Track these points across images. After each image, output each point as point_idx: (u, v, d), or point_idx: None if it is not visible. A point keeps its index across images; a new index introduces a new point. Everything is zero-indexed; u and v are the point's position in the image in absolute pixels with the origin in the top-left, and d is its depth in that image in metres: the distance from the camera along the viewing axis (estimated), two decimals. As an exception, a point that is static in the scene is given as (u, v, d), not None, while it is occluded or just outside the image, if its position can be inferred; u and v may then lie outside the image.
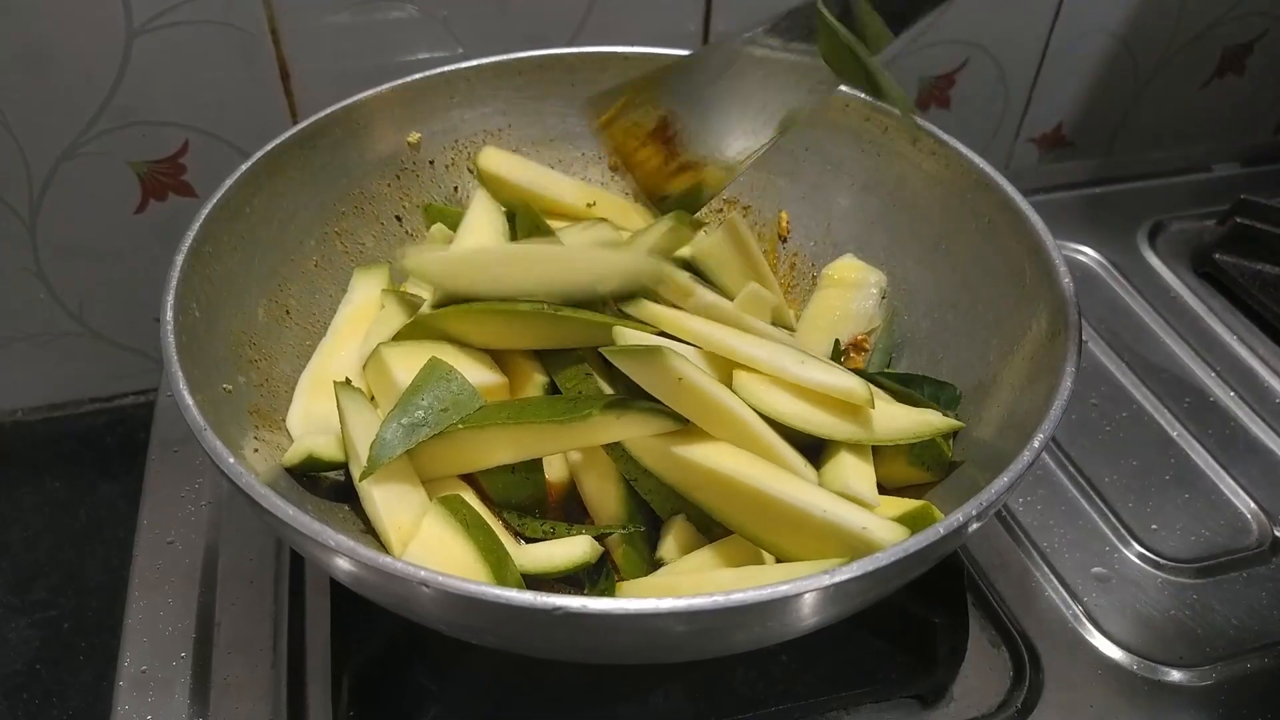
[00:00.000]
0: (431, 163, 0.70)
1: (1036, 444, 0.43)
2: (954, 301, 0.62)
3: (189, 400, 0.46)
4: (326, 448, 0.54)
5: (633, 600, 0.37)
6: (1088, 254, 0.88)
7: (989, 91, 0.97)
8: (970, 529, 0.41)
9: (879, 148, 0.66)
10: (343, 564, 0.41)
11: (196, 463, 0.67)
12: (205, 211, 0.56)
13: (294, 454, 0.54)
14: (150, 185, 0.78)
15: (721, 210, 0.73)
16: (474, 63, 0.69)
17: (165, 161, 0.77)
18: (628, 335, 0.53)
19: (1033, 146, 1.03)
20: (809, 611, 0.41)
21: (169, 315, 0.50)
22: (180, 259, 0.53)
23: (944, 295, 0.63)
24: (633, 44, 0.70)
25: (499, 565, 0.48)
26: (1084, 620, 0.60)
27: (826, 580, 0.37)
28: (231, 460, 0.43)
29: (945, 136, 0.62)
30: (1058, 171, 1.03)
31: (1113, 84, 1.01)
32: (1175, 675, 0.58)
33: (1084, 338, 0.50)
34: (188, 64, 0.73)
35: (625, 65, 0.70)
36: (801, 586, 0.38)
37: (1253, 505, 0.67)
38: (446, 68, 0.68)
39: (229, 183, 0.58)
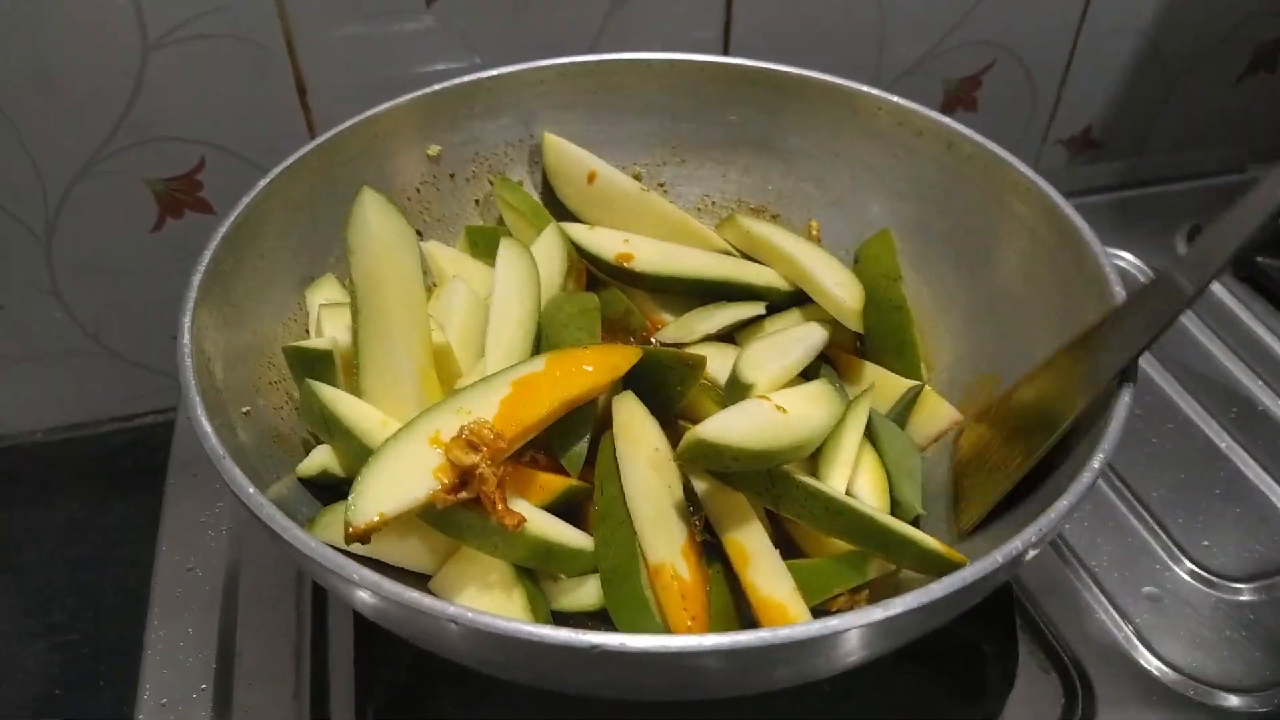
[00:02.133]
0: (452, 175, 0.69)
1: (1096, 464, 0.41)
2: (994, 310, 0.60)
3: (207, 427, 0.45)
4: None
5: (673, 638, 0.35)
6: (1126, 259, 0.86)
7: (1016, 93, 0.95)
8: (1029, 556, 0.39)
9: (912, 153, 0.64)
10: (365, 597, 0.39)
11: (215, 486, 0.66)
12: (223, 230, 0.54)
13: (308, 466, 0.52)
14: (167, 203, 0.77)
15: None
16: (495, 72, 0.67)
17: (182, 178, 0.76)
18: None
19: (1062, 149, 1.01)
20: (856, 646, 0.39)
21: (186, 338, 0.49)
22: (197, 279, 0.51)
23: (982, 304, 0.61)
24: (651, 51, 0.69)
25: (534, 597, 0.47)
26: (1136, 642, 0.58)
27: (879, 614, 0.35)
28: (251, 490, 0.42)
29: (983, 140, 0.60)
30: (1088, 174, 1.01)
31: (1142, 84, 0.99)
32: (1234, 700, 0.56)
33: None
34: (203, 79, 0.72)
35: (648, 72, 0.68)
36: (850, 622, 0.36)
37: (1306, 519, 0.65)
38: (467, 78, 0.67)
39: (246, 200, 0.56)
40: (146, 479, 0.82)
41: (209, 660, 0.57)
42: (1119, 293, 0.50)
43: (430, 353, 0.54)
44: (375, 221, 0.53)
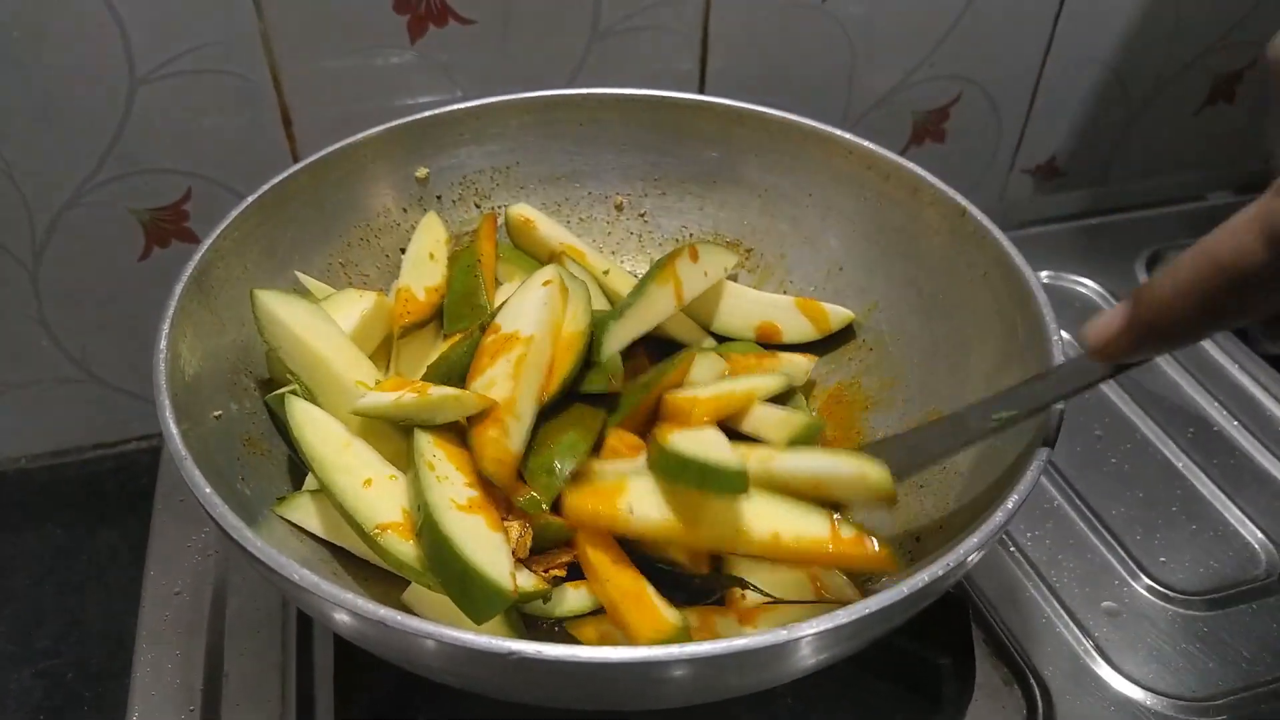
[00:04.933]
0: (439, 197, 0.71)
1: (1011, 505, 0.43)
2: (947, 353, 0.62)
3: (174, 429, 0.46)
4: None
5: (584, 649, 0.37)
6: (1087, 285, 0.88)
7: (982, 124, 0.97)
8: (971, 560, 0.41)
9: (880, 196, 0.66)
10: (286, 586, 0.40)
11: (202, 512, 0.67)
12: (209, 241, 0.56)
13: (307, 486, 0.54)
14: (153, 232, 0.78)
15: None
16: (484, 101, 0.69)
17: (168, 208, 0.77)
18: None
19: (1027, 178, 1.04)
20: (806, 654, 0.41)
21: (163, 344, 0.50)
22: (180, 287, 0.53)
23: (938, 345, 0.63)
24: (629, 85, 0.71)
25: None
26: (1095, 655, 0.60)
27: (822, 625, 0.38)
28: (208, 490, 0.43)
29: (945, 187, 0.62)
30: (1053, 203, 1.03)
31: (1105, 114, 1.02)
32: (1189, 711, 0.57)
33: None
34: (190, 112, 0.73)
35: (632, 107, 0.71)
36: (792, 633, 0.38)
37: (1260, 535, 0.67)
38: (457, 105, 0.69)
39: (234, 213, 0.58)
40: (132, 505, 0.83)
41: (196, 683, 0.57)
42: (1056, 341, 0.51)
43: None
44: (281, 313, 0.55)
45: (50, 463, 0.87)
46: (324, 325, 0.56)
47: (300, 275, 0.64)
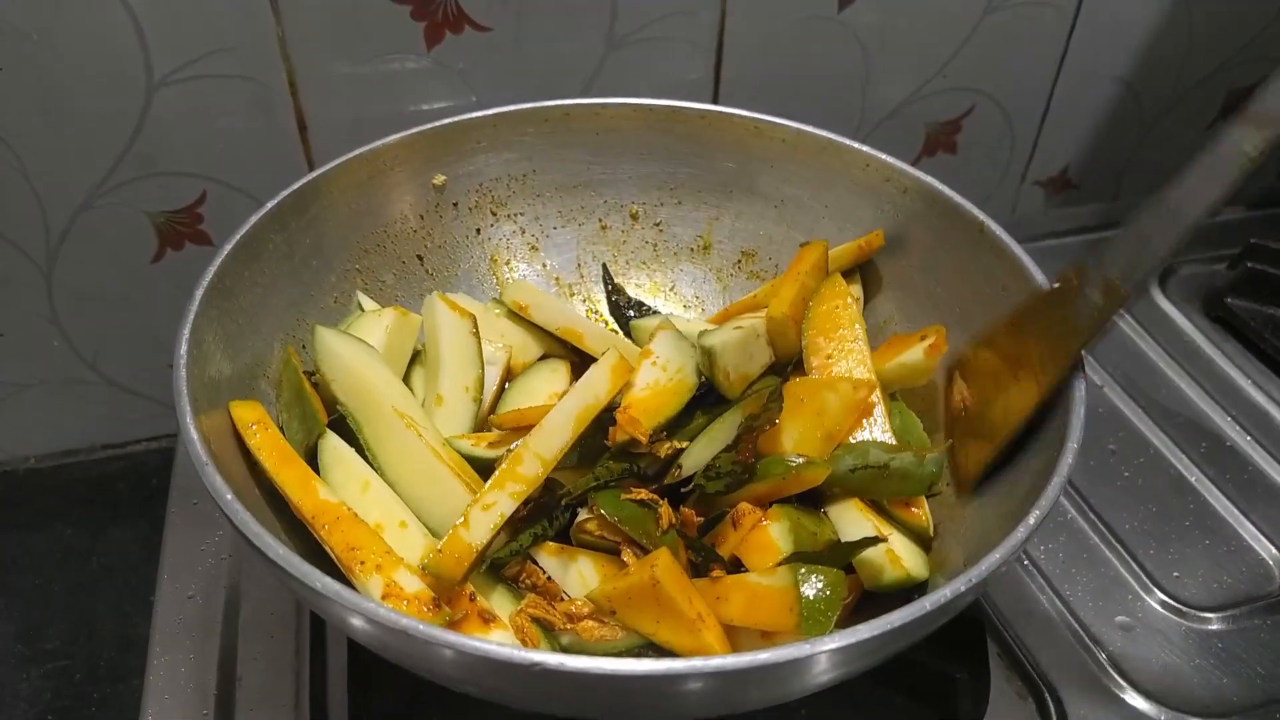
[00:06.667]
0: (455, 205, 0.71)
1: (1032, 520, 0.43)
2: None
3: (194, 434, 0.46)
4: None
5: (606, 661, 0.38)
6: (1100, 299, 0.88)
7: (995, 137, 0.98)
8: (1000, 570, 0.41)
9: (898, 209, 0.66)
10: (298, 589, 0.41)
11: (216, 515, 0.67)
12: (228, 248, 0.56)
13: None
14: (167, 235, 0.78)
15: (739, 261, 0.74)
16: (500, 110, 0.69)
17: (183, 211, 0.77)
18: None
19: (1039, 190, 1.04)
20: (826, 668, 0.41)
21: (183, 349, 0.50)
22: (200, 292, 0.53)
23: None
24: (643, 93, 0.71)
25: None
26: (1109, 670, 0.60)
27: (843, 640, 0.38)
28: (230, 497, 0.44)
29: (961, 200, 0.62)
30: (1064, 216, 1.03)
31: (1118, 128, 1.02)
32: (1203, 726, 0.58)
33: (1093, 395, 0.50)
34: (207, 116, 0.73)
35: (650, 117, 0.71)
36: (814, 648, 0.38)
37: (1274, 551, 0.67)
38: (474, 114, 0.69)
39: (253, 220, 0.58)
40: (141, 505, 0.83)
41: (210, 686, 0.57)
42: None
43: (436, 430, 0.58)
44: (339, 350, 0.58)
45: (60, 462, 0.88)
46: (378, 364, 0.58)
47: (360, 295, 0.66)
